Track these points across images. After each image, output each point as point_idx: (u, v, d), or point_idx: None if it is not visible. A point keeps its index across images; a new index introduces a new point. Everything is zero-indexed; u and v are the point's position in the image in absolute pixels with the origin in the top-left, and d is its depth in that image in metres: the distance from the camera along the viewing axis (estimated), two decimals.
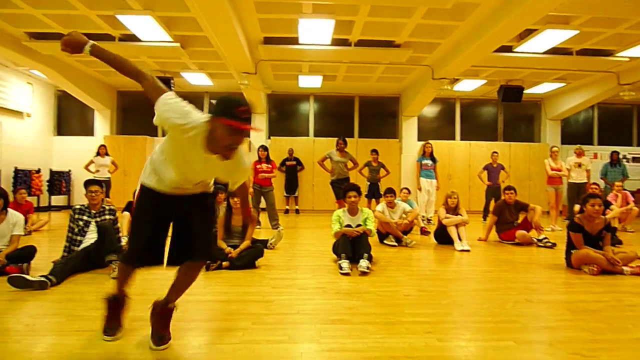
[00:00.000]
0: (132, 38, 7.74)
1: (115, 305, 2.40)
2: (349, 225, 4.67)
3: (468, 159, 12.02)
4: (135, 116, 12.23)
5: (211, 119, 2.05)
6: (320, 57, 8.68)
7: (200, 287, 3.58)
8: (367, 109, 12.56)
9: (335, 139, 8.28)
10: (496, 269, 4.53)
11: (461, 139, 12.57)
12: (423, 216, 8.95)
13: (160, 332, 2.30)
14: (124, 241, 5.29)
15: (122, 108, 12.30)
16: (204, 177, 2.33)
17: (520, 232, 6.06)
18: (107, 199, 8.30)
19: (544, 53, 8.45)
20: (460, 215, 5.89)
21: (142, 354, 2.21)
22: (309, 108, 12.55)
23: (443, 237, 5.92)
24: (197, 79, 10.72)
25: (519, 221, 6.33)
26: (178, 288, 2.36)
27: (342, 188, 5.32)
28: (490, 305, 3.11)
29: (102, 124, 11.86)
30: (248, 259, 4.25)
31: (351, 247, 4.38)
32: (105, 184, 7.55)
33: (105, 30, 7.48)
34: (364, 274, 4.00)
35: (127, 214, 5.71)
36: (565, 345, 2.36)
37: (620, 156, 10.03)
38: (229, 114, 1.98)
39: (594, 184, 7.87)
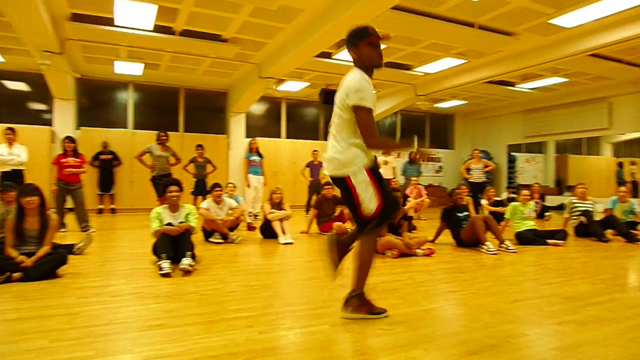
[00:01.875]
0: None
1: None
2: (169, 224, 4.42)
3: (293, 156, 12.62)
4: None
5: (353, 50, 2.49)
6: (141, 42, 8.03)
7: None
8: (193, 102, 12.12)
9: (157, 132, 7.79)
10: (316, 258, 4.84)
11: (287, 137, 13.14)
12: (250, 212, 9.05)
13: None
14: None
15: None
16: None
17: (336, 224, 6.59)
18: None
19: None
20: (284, 210, 6.14)
21: None
22: (128, 97, 11.51)
23: (268, 231, 6.09)
24: None
25: (337, 214, 6.90)
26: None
27: (162, 184, 5.00)
28: (309, 294, 3.32)
29: None
30: (47, 268, 3.66)
31: (172, 246, 4.15)
32: None
33: None
34: (187, 273, 3.84)
35: None
36: (371, 323, 2.64)
37: (417, 156, 11.77)
38: (365, 34, 2.45)
39: (393, 179, 9.15)
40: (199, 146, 8.93)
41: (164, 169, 7.59)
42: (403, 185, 10.10)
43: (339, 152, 2.49)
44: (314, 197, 8.87)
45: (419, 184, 9.73)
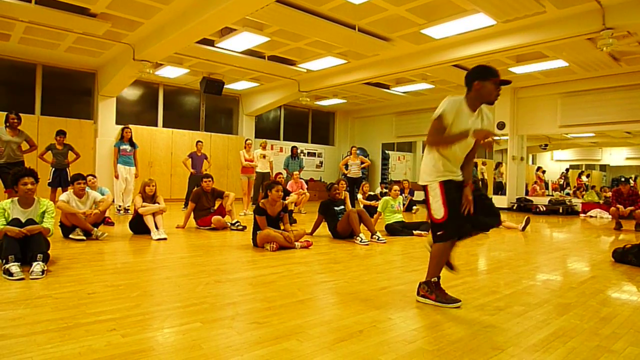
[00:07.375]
0: None
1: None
2: (17, 220, 3.81)
3: (170, 146, 11.96)
4: None
5: (480, 81, 2.76)
6: None
7: None
8: (54, 82, 10.75)
9: (6, 113, 6.76)
10: (191, 254, 4.66)
11: (164, 126, 12.39)
12: (120, 205, 8.39)
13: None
14: None
15: None
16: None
17: (215, 218, 6.43)
18: None
19: (241, 53, 9.20)
20: (158, 203, 5.77)
21: None
22: None
23: (139, 227, 5.67)
24: None
25: (216, 207, 6.71)
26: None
27: (12, 174, 4.31)
28: (180, 291, 3.15)
29: None
30: None
31: (21, 246, 3.60)
32: None
33: None
34: (38, 279, 3.37)
35: None
36: (245, 317, 2.60)
37: (299, 151, 12.01)
38: (493, 74, 2.78)
39: (279, 173, 9.17)
40: (61, 132, 7.90)
41: (14, 156, 6.62)
42: (285, 179, 10.21)
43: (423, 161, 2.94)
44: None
45: (300, 178, 9.93)
